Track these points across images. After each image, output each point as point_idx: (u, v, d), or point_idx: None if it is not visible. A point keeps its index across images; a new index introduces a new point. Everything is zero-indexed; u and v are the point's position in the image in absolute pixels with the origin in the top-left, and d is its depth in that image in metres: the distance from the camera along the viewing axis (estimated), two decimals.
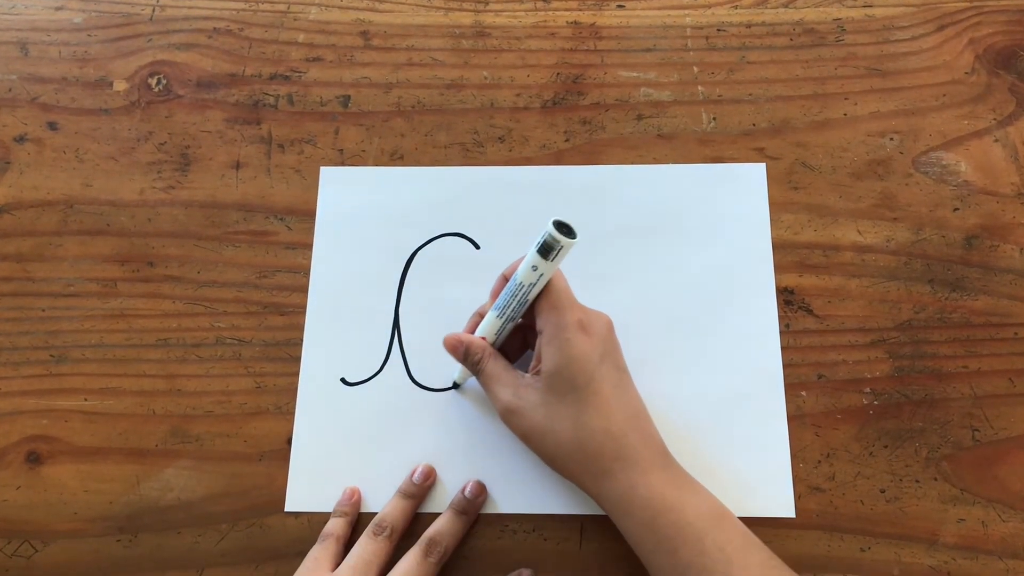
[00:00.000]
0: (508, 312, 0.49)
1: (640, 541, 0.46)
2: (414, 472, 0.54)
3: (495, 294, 0.51)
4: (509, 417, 0.50)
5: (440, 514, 0.53)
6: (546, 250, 0.45)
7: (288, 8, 0.67)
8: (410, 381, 0.57)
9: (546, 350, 0.48)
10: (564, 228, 0.45)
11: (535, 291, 0.48)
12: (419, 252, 0.60)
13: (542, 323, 0.48)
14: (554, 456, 0.49)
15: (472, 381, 0.56)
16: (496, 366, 0.51)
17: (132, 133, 0.64)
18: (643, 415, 0.49)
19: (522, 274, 0.47)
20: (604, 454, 0.47)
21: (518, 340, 0.54)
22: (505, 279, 0.50)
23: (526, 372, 0.50)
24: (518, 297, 0.48)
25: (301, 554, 0.52)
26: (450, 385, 0.57)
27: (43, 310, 0.59)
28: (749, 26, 0.65)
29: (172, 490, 0.55)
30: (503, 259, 0.59)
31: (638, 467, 0.47)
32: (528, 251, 0.46)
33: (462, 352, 0.52)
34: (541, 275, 0.46)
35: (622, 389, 0.48)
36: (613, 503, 0.47)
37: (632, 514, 0.46)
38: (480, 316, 0.53)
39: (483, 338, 0.52)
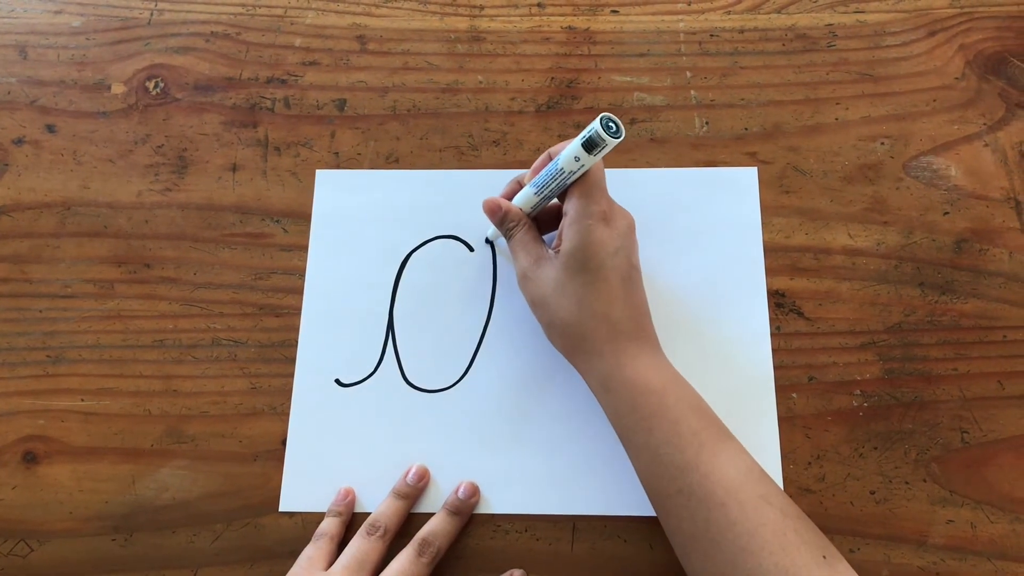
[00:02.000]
0: (545, 191, 0.52)
1: (620, 419, 0.49)
2: (408, 472, 0.55)
3: (537, 169, 0.53)
4: (524, 282, 0.52)
5: (433, 514, 0.54)
6: (590, 145, 0.47)
7: (285, 12, 0.67)
8: (404, 382, 0.57)
9: (568, 231, 0.50)
10: (612, 124, 0.47)
11: (573, 178, 0.50)
12: (413, 254, 0.60)
13: (569, 206, 0.50)
14: (552, 325, 0.51)
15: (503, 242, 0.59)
16: (526, 236, 0.53)
17: (130, 136, 0.64)
18: (643, 309, 0.51)
19: (563, 160, 0.49)
20: (599, 335, 0.49)
21: (553, 215, 0.56)
22: (549, 157, 0.52)
23: (551, 247, 0.53)
24: (557, 180, 0.50)
25: (295, 554, 0.52)
26: (442, 388, 0.57)
27: (40, 311, 0.60)
28: (742, 31, 0.65)
29: (167, 490, 0.56)
30: (499, 262, 0.59)
31: (627, 351, 0.49)
32: (574, 140, 0.48)
33: (500, 216, 0.54)
34: (582, 166, 0.49)
35: (629, 282, 0.50)
36: (598, 380, 0.50)
37: (615, 391, 0.49)
38: (517, 183, 0.56)
39: (519, 208, 0.54)
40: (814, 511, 0.53)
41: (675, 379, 0.50)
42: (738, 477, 0.45)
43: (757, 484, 0.46)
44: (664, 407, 0.47)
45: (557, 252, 0.51)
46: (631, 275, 0.50)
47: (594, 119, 0.47)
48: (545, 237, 0.56)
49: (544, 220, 0.56)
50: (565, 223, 0.50)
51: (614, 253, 0.49)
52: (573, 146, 0.48)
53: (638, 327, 0.50)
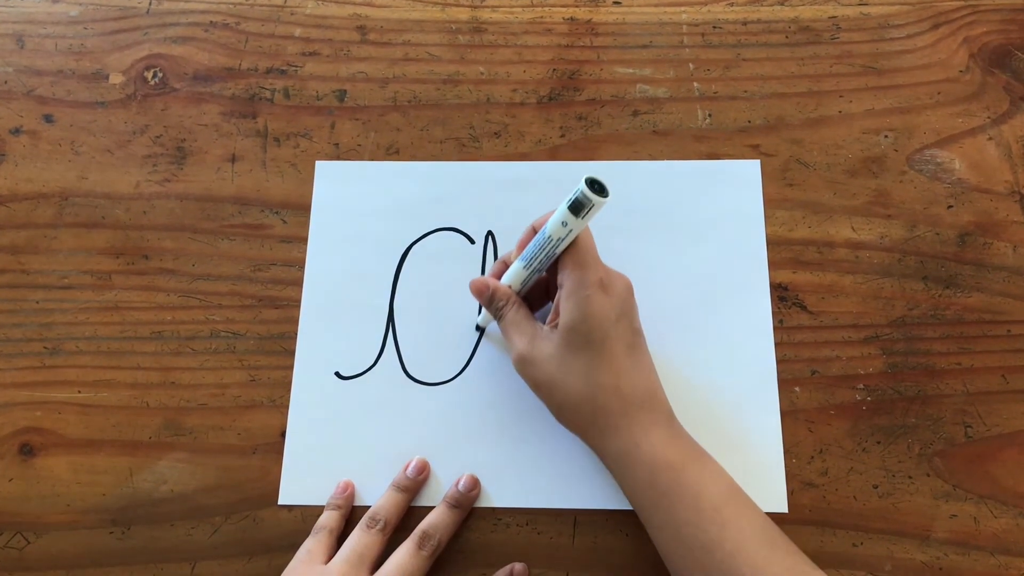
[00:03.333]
0: (535, 264, 0.50)
1: (639, 497, 0.47)
2: (408, 466, 0.54)
3: (522, 244, 0.51)
4: (523, 366, 0.50)
5: (434, 507, 0.53)
6: (577, 207, 0.45)
7: (285, 2, 0.67)
8: (404, 375, 0.57)
9: (565, 305, 0.48)
10: (596, 186, 0.45)
11: (563, 246, 0.48)
12: (414, 246, 0.60)
13: (564, 278, 0.48)
14: (562, 407, 0.49)
15: (494, 326, 0.57)
16: (518, 315, 0.51)
17: (128, 126, 0.64)
18: (653, 377, 0.50)
19: (551, 228, 0.47)
20: (611, 410, 0.48)
21: (541, 290, 0.55)
22: (534, 230, 0.50)
23: (545, 323, 0.51)
24: (546, 250, 0.48)
25: (294, 547, 0.52)
26: (442, 381, 0.57)
27: (37, 302, 0.59)
28: (745, 23, 0.65)
29: (165, 482, 0.55)
30: (499, 255, 0.59)
31: (642, 425, 0.47)
32: (559, 206, 0.46)
33: (487, 297, 0.52)
34: (570, 231, 0.46)
35: (635, 350, 0.49)
36: (615, 458, 0.48)
37: (633, 470, 0.47)
38: (504, 264, 0.54)
39: (508, 286, 0.52)
40: (816, 505, 0.53)
41: (693, 450, 0.48)
42: (764, 553, 0.44)
43: (785, 557, 0.45)
44: (684, 483, 0.46)
45: (553, 328, 0.49)
46: (636, 342, 0.49)
47: (579, 182, 0.44)
48: (536, 314, 0.54)
49: (533, 296, 0.54)
50: (561, 296, 0.48)
51: (616, 321, 0.48)
52: (560, 212, 0.46)
53: (650, 396, 0.49)
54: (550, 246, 0.48)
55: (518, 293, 0.52)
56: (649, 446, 0.47)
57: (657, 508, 0.46)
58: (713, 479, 0.47)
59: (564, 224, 0.46)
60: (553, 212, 0.47)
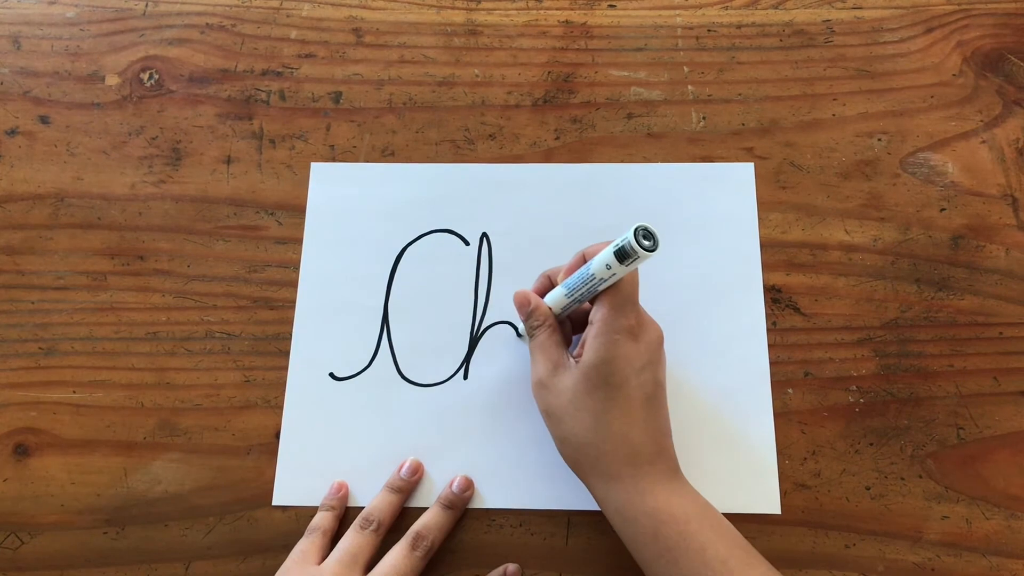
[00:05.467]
0: (576, 294, 0.49)
1: (641, 549, 0.46)
2: (402, 466, 0.54)
3: (570, 269, 0.50)
4: (539, 390, 0.50)
5: (427, 508, 0.53)
6: (622, 255, 0.44)
7: (281, 4, 0.67)
8: (399, 376, 0.57)
9: (592, 343, 0.47)
10: (647, 235, 0.44)
11: (604, 286, 0.47)
12: (409, 248, 0.60)
13: (597, 316, 0.48)
14: (566, 442, 0.49)
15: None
16: (549, 339, 0.50)
17: (124, 127, 0.64)
18: (666, 432, 0.49)
19: (595, 267, 0.46)
20: (617, 457, 0.47)
21: (584, 316, 0.53)
22: (583, 258, 0.49)
23: (573, 352, 0.50)
24: (588, 285, 0.47)
25: (288, 547, 0.52)
26: (436, 382, 0.57)
27: (33, 303, 0.59)
28: (739, 27, 0.65)
29: (160, 483, 0.55)
30: (494, 256, 0.59)
31: (648, 477, 0.47)
32: (608, 246, 0.45)
33: (527, 312, 0.51)
34: (614, 275, 0.46)
35: (653, 402, 0.48)
36: (617, 508, 0.47)
37: (636, 521, 0.46)
38: (547, 278, 0.53)
39: (549, 307, 0.51)
40: (809, 507, 0.53)
41: (696, 503, 0.47)
42: None
43: None
44: (688, 535, 0.45)
45: (578, 361, 0.48)
46: (656, 394, 0.48)
47: (629, 229, 0.44)
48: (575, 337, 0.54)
49: (576, 320, 0.54)
50: (590, 333, 0.48)
51: (640, 370, 0.47)
52: (606, 253, 0.45)
53: (659, 450, 0.48)
54: (592, 283, 0.47)
55: (557, 316, 0.51)
56: (653, 499, 0.46)
57: (660, 561, 0.45)
58: (719, 533, 0.46)
59: (608, 267, 0.45)
60: (604, 245, 0.47)
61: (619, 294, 0.47)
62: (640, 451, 0.47)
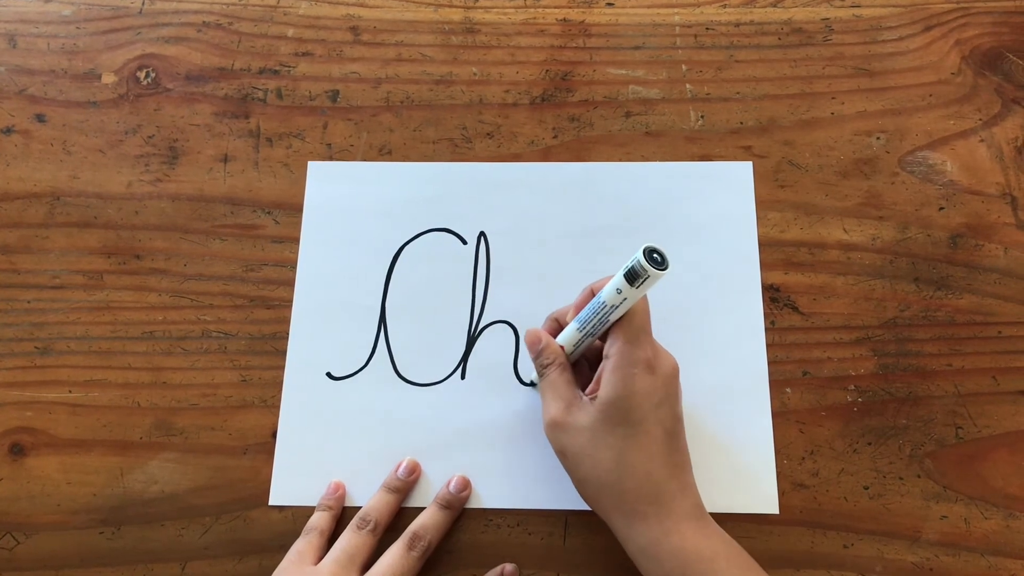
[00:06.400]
0: (588, 328, 0.48)
1: None
2: (399, 466, 0.54)
3: (579, 306, 0.49)
4: (554, 430, 0.48)
5: (424, 508, 0.53)
6: (632, 276, 0.44)
7: (278, 3, 0.67)
8: (396, 376, 0.57)
9: (608, 378, 0.46)
10: (656, 256, 0.43)
11: (617, 314, 0.46)
12: (406, 247, 0.60)
13: (612, 350, 0.47)
14: (586, 481, 0.48)
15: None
16: (560, 378, 0.49)
17: (120, 126, 0.64)
18: (687, 466, 0.48)
19: (606, 295, 0.45)
20: (641, 495, 0.46)
21: (596, 355, 0.51)
22: (592, 293, 0.49)
23: (584, 392, 0.49)
24: (599, 316, 0.46)
25: (285, 547, 0.52)
26: (433, 382, 0.57)
27: (28, 302, 0.59)
28: (738, 25, 0.65)
29: (156, 483, 0.55)
30: (492, 256, 0.59)
31: (673, 515, 0.46)
32: (617, 273, 0.45)
33: (537, 350, 0.50)
34: (625, 299, 0.45)
35: (673, 436, 0.47)
36: (641, 547, 0.46)
37: (661, 561, 0.45)
38: (555, 321, 0.52)
39: (561, 346, 0.50)
40: (807, 506, 0.53)
41: (723, 542, 0.47)
42: None
43: None
44: (715, 574, 0.45)
45: (592, 399, 0.47)
46: (676, 429, 0.47)
47: (638, 248, 0.43)
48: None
49: (592, 357, 0.52)
50: (606, 368, 0.47)
51: (658, 405, 0.46)
52: (615, 279, 0.45)
53: (682, 486, 0.47)
54: (604, 312, 0.46)
55: (570, 355, 0.50)
56: (680, 538, 0.45)
57: None
58: (744, 571, 0.46)
59: (619, 291, 0.45)
60: (610, 277, 0.46)
61: (632, 325, 0.46)
62: (663, 488, 0.46)
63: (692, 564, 0.45)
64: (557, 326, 0.52)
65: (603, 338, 0.49)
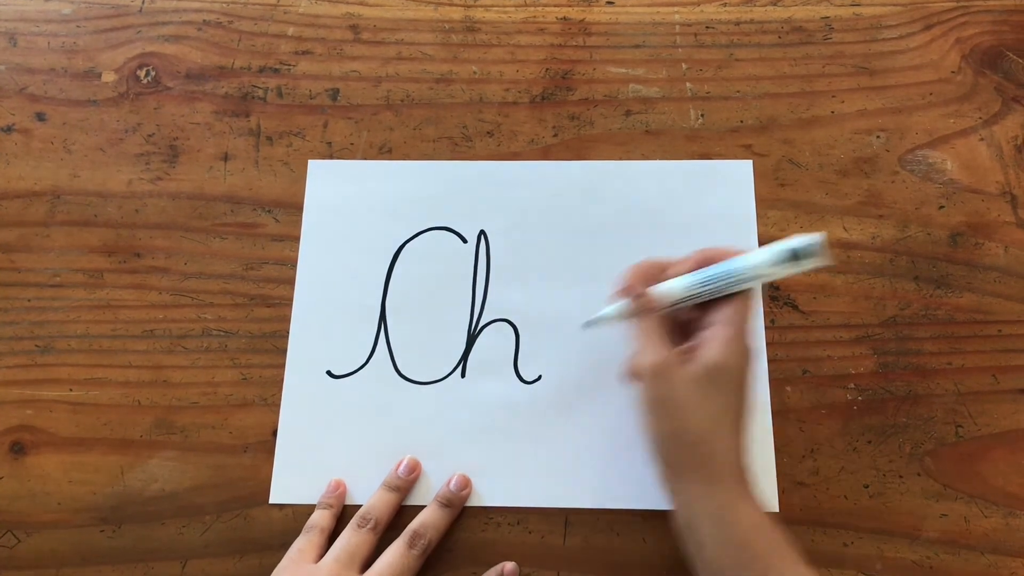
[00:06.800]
0: (701, 289, 0.48)
1: (726, 555, 0.45)
2: (399, 465, 0.54)
3: (695, 264, 0.48)
4: (656, 377, 0.46)
5: (425, 506, 0.53)
6: (796, 256, 0.45)
7: (278, 1, 0.67)
8: (396, 374, 0.57)
9: (721, 343, 0.46)
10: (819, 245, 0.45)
11: (741, 287, 0.47)
12: (406, 246, 0.60)
13: (723, 317, 0.47)
14: (674, 436, 0.47)
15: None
16: (662, 326, 0.48)
17: (120, 124, 0.64)
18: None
19: (751, 265, 0.46)
20: (726, 460, 0.46)
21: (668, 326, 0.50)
22: (706, 258, 0.48)
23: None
24: (727, 282, 0.47)
25: (285, 546, 0.52)
26: (433, 380, 0.57)
27: (29, 300, 0.59)
28: (738, 23, 0.65)
29: (156, 481, 0.55)
30: (492, 254, 0.59)
31: (744, 483, 0.46)
32: (767, 247, 0.46)
33: (638, 291, 0.49)
34: (771, 273, 0.46)
35: (750, 417, 0.48)
36: (712, 510, 0.45)
37: (731, 526, 0.45)
38: (651, 265, 0.50)
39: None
40: (808, 505, 0.53)
41: (776, 520, 0.47)
42: None
43: None
44: (784, 546, 0.45)
45: (686, 355, 0.47)
46: (752, 407, 0.48)
47: (797, 234, 0.45)
48: None
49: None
50: (716, 333, 0.46)
51: (753, 381, 0.47)
52: (770, 251, 0.46)
53: (747, 460, 0.47)
54: (732, 281, 0.47)
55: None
56: (751, 505, 0.45)
57: (746, 570, 0.44)
58: (797, 548, 0.46)
59: (770, 265, 0.46)
60: (725, 250, 0.47)
61: (752, 300, 0.47)
62: (743, 457, 0.46)
63: (762, 533, 0.45)
64: (652, 270, 0.50)
65: (694, 310, 0.49)
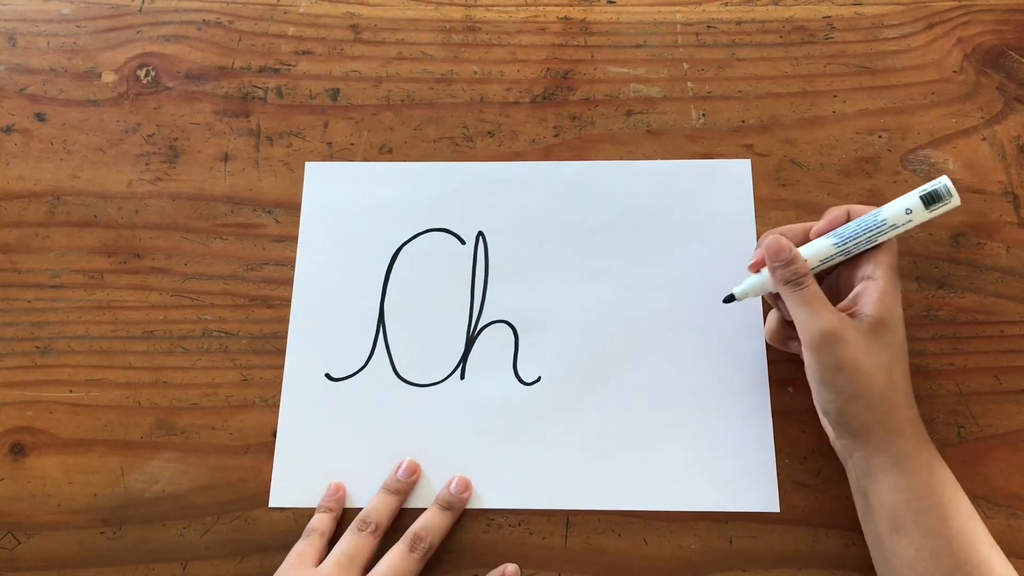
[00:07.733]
0: (848, 245, 0.49)
1: (909, 502, 0.46)
2: (399, 468, 0.54)
3: (832, 223, 0.50)
4: (829, 342, 0.46)
5: (425, 509, 0.53)
6: (931, 199, 0.48)
7: (278, 1, 0.66)
8: (395, 376, 0.57)
9: (879, 298, 0.48)
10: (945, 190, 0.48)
11: (886, 237, 0.49)
12: (405, 247, 0.60)
13: (876, 272, 0.49)
14: (858, 396, 0.47)
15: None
16: (820, 291, 0.48)
17: (120, 125, 0.63)
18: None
19: (890, 213, 0.48)
20: (903, 414, 0.47)
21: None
22: (848, 214, 0.50)
23: None
24: (870, 234, 0.49)
25: (286, 548, 0.52)
26: (433, 382, 0.57)
27: (29, 301, 0.59)
28: (739, 23, 0.65)
29: (157, 482, 0.55)
30: (490, 255, 0.59)
31: (921, 433, 0.48)
32: (904, 196, 0.49)
33: (785, 259, 0.49)
34: (909, 221, 0.48)
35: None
36: (898, 458, 0.47)
37: (915, 473, 0.46)
38: (780, 236, 0.50)
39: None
40: (809, 506, 0.53)
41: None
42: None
43: None
44: (961, 496, 0.47)
45: (852, 317, 0.48)
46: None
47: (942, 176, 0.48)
48: None
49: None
50: (874, 288, 0.48)
51: (905, 332, 0.49)
52: (906, 199, 0.48)
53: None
54: (877, 231, 0.48)
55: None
56: (930, 453, 0.47)
57: (929, 515, 0.45)
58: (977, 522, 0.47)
59: (908, 212, 0.48)
60: (867, 207, 0.50)
61: (895, 250, 0.49)
62: (913, 408, 0.48)
63: (939, 481, 0.47)
64: (776, 240, 0.50)
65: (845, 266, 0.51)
